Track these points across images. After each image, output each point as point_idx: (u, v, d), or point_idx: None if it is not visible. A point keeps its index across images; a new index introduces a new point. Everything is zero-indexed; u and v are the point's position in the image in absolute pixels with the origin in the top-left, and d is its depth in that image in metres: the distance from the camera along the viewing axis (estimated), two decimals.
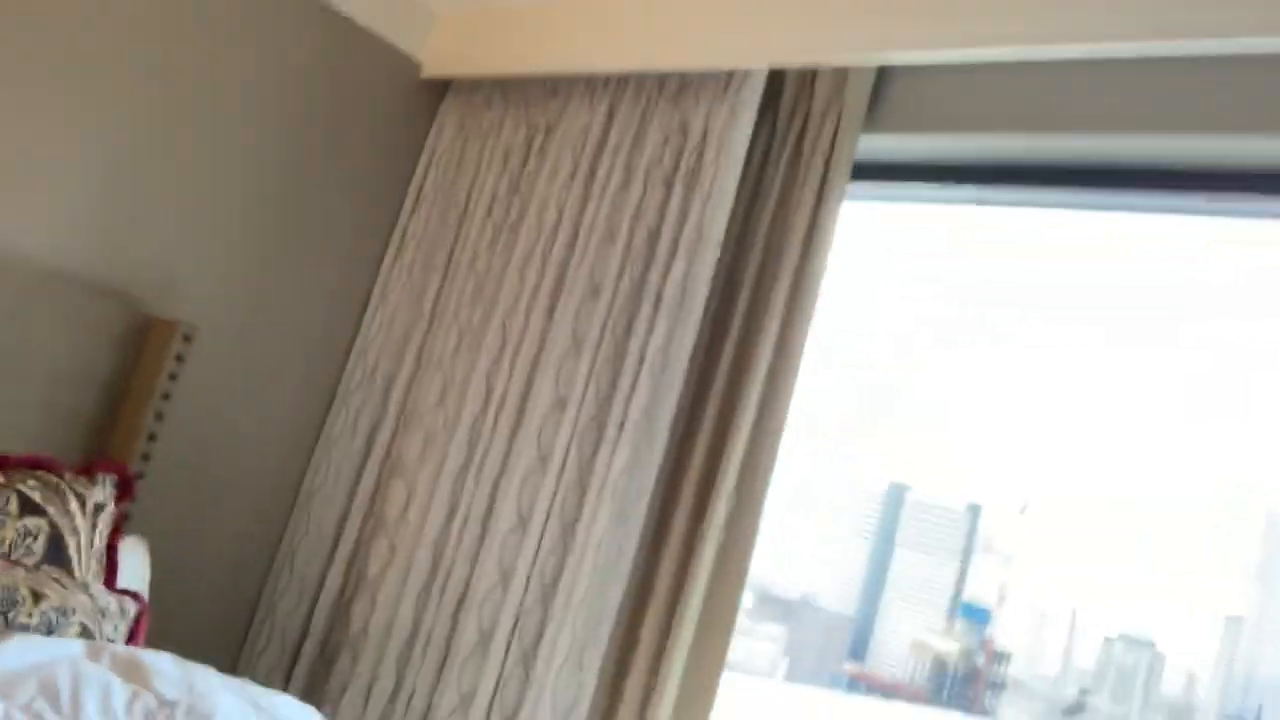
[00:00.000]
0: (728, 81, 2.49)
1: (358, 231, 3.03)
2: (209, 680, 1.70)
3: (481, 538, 2.58)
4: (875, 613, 5.26)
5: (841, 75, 2.37)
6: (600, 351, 2.52)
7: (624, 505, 2.39)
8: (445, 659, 2.54)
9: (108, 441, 2.47)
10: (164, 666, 1.68)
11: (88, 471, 2.13)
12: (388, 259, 3.03)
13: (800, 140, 2.43)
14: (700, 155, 2.51)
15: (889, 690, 5.27)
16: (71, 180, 2.47)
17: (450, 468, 2.68)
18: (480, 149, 2.97)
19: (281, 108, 2.83)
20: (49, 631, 1.75)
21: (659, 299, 2.46)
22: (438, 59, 3.09)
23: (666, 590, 2.36)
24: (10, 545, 1.87)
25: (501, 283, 2.76)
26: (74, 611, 1.82)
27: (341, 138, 2.96)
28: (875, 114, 2.38)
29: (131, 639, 1.96)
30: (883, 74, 2.37)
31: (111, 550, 2.08)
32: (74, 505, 2.00)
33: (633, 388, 2.44)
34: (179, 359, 2.53)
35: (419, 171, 3.08)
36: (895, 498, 5.21)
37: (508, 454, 2.60)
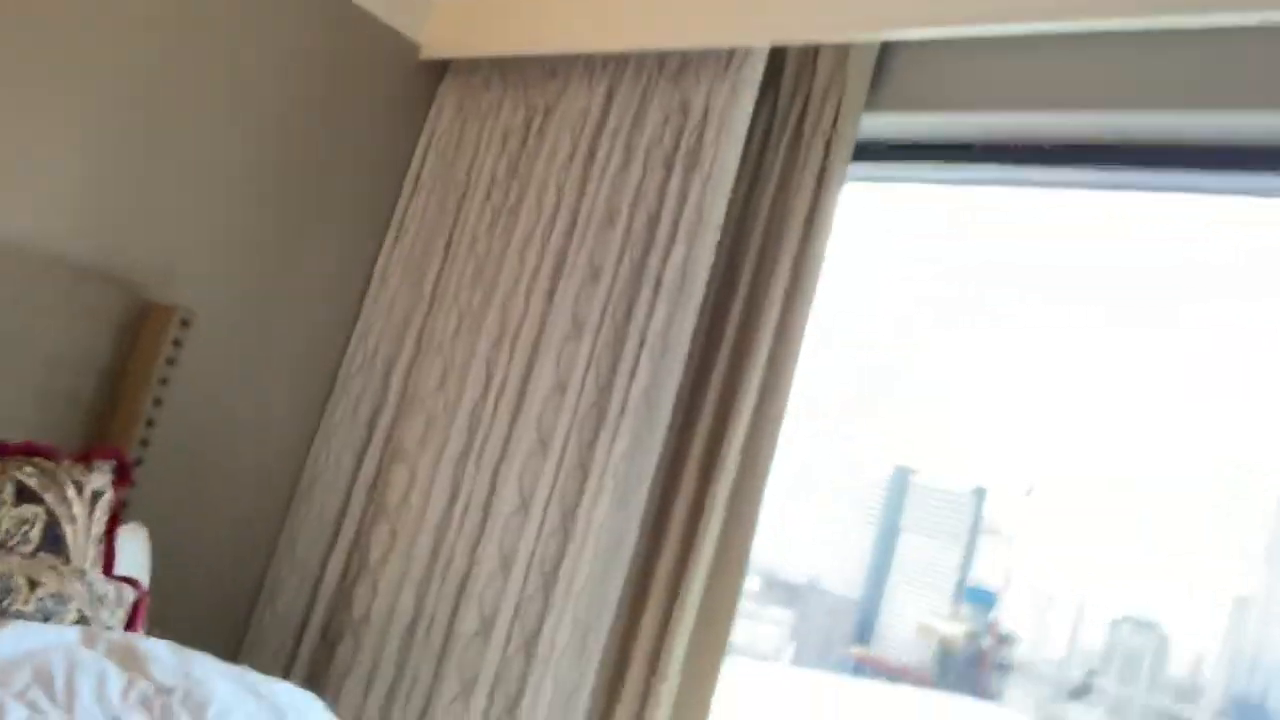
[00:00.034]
0: (728, 60, 2.46)
1: (357, 214, 3.01)
2: (206, 667, 1.69)
3: (483, 523, 2.57)
4: (881, 596, 5.26)
5: (843, 53, 2.34)
6: (600, 335, 2.50)
7: (625, 490, 2.38)
8: (447, 645, 2.53)
9: (106, 428, 2.46)
10: (160, 653, 1.67)
11: (85, 458, 2.12)
12: (387, 242, 3.01)
13: (802, 119, 2.41)
14: (700, 135, 2.48)
15: (895, 673, 5.27)
16: (68, 165, 2.45)
17: (451, 452, 2.67)
18: (479, 131, 2.94)
19: (280, 90, 2.81)
20: (45, 619, 1.74)
21: (659, 282, 2.44)
22: (436, 40, 3.06)
23: (668, 575, 2.35)
24: (6, 533, 1.86)
25: (501, 265, 2.74)
26: (70, 599, 1.81)
27: (340, 120, 2.94)
28: (878, 92, 2.36)
29: (130, 626, 1.95)
30: (885, 51, 2.35)
31: (109, 537, 2.06)
32: (71, 492, 1.99)
33: (633, 371, 2.42)
34: (177, 344, 2.52)
35: (418, 154, 3.05)
36: (900, 481, 5.20)
37: (508, 438, 2.59)
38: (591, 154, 2.67)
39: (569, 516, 2.44)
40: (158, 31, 2.55)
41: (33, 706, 1.43)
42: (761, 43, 2.40)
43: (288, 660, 2.78)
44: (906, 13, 2.22)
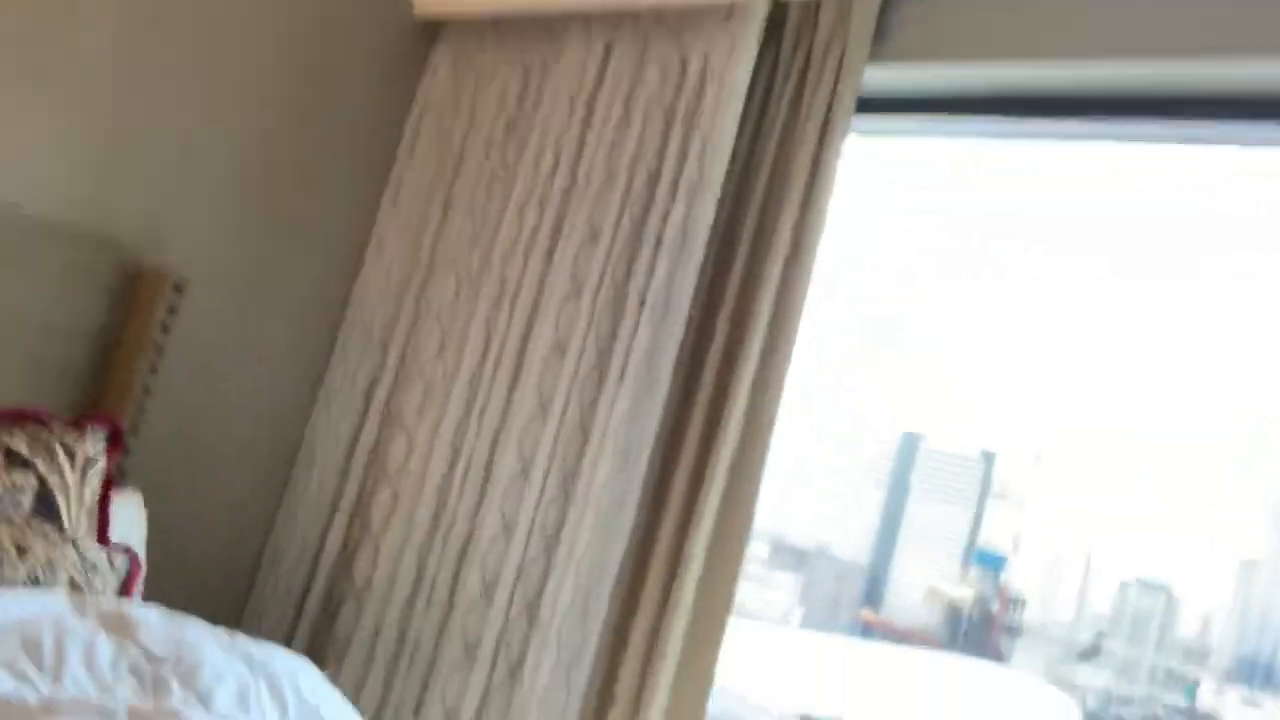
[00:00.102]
0: (728, 14, 2.40)
1: (352, 177, 2.96)
2: (198, 634, 1.67)
3: (483, 488, 2.55)
4: (890, 560, 5.26)
5: (846, 3, 2.28)
6: (600, 296, 2.47)
7: (626, 452, 2.35)
8: (449, 610, 2.52)
9: (101, 396, 2.43)
10: (151, 621, 1.65)
11: (77, 425, 2.09)
12: (384, 205, 2.97)
13: (804, 73, 2.35)
14: (700, 92, 2.43)
15: (904, 637, 5.28)
16: (57, 127, 2.41)
17: (450, 418, 2.64)
18: (475, 91, 2.89)
19: (272, 52, 2.75)
20: (35, 587, 1.72)
21: (659, 241, 2.40)
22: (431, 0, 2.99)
23: (671, 537, 2.33)
24: None
25: (499, 228, 2.70)
26: (61, 566, 1.79)
27: (334, 81, 2.89)
28: (881, 44, 2.30)
29: (124, 594, 1.93)
30: (888, 2, 2.28)
31: (103, 505, 2.04)
32: (63, 459, 1.96)
33: (634, 333, 2.39)
34: (171, 310, 2.49)
35: (413, 115, 3.00)
36: (909, 446, 5.17)
37: (508, 403, 2.56)
38: (589, 113, 2.62)
39: (570, 480, 2.42)
40: None
41: (20, 676, 1.41)
42: None
43: (289, 629, 2.77)
44: None
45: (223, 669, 1.57)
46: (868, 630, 5.34)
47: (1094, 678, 4.32)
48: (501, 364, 2.59)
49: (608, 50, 2.62)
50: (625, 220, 2.47)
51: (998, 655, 4.84)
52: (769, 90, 2.42)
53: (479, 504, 2.54)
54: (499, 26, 2.90)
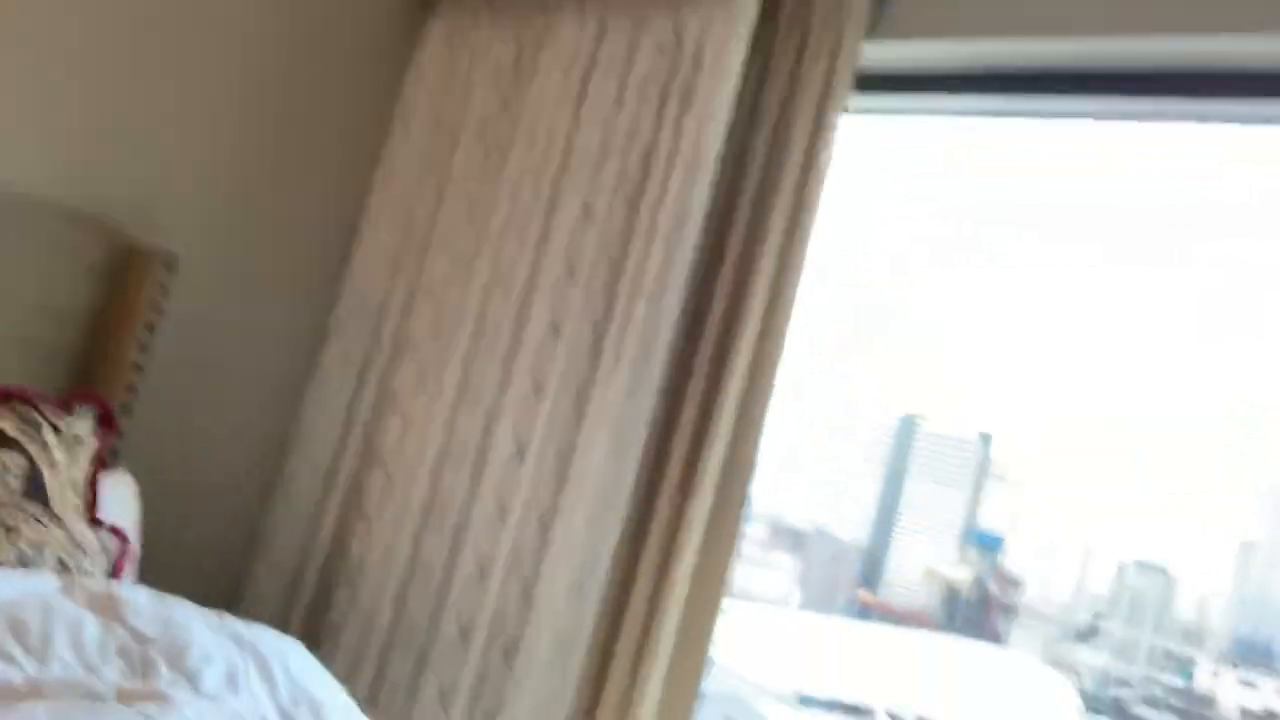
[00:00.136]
0: None
1: (345, 155, 2.93)
2: (187, 614, 1.66)
3: (478, 469, 2.53)
4: (888, 541, 5.26)
5: None
6: (594, 275, 2.45)
7: (621, 433, 2.33)
8: (444, 591, 2.51)
9: (92, 376, 2.41)
10: (140, 601, 1.64)
11: (66, 404, 2.08)
12: (376, 183, 2.94)
13: (800, 50, 2.32)
14: (695, 69, 2.40)
15: (901, 618, 5.29)
16: (44, 102, 2.38)
17: (445, 399, 2.62)
18: (469, 68, 2.85)
19: (263, 26, 2.72)
20: (23, 568, 1.70)
21: (654, 220, 2.37)
22: None
23: (666, 519, 2.32)
24: None
25: (493, 207, 2.67)
26: (48, 547, 1.77)
27: (326, 58, 2.86)
28: (878, 20, 2.27)
29: (114, 576, 1.92)
30: None
31: (93, 485, 2.03)
32: (51, 438, 1.95)
33: (628, 313, 2.37)
34: (162, 289, 2.46)
35: (407, 93, 2.96)
36: (907, 428, 5.17)
37: (502, 383, 2.54)
38: (584, 90, 2.58)
39: (565, 461, 2.40)
40: None
41: (7, 657, 1.40)
42: None
43: (284, 610, 2.76)
44: None
45: (211, 650, 1.56)
46: (865, 611, 5.36)
47: (1091, 659, 4.33)
48: (496, 344, 2.57)
49: (602, 27, 2.59)
50: (619, 199, 2.44)
51: (995, 636, 4.85)
52: (765, 67, 2.39)
53: (473, 485, 2.52)
54: (493, 3, 2.86)
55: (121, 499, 2.23)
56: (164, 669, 1.47)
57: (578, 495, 2.35)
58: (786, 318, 2.29)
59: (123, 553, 1.96)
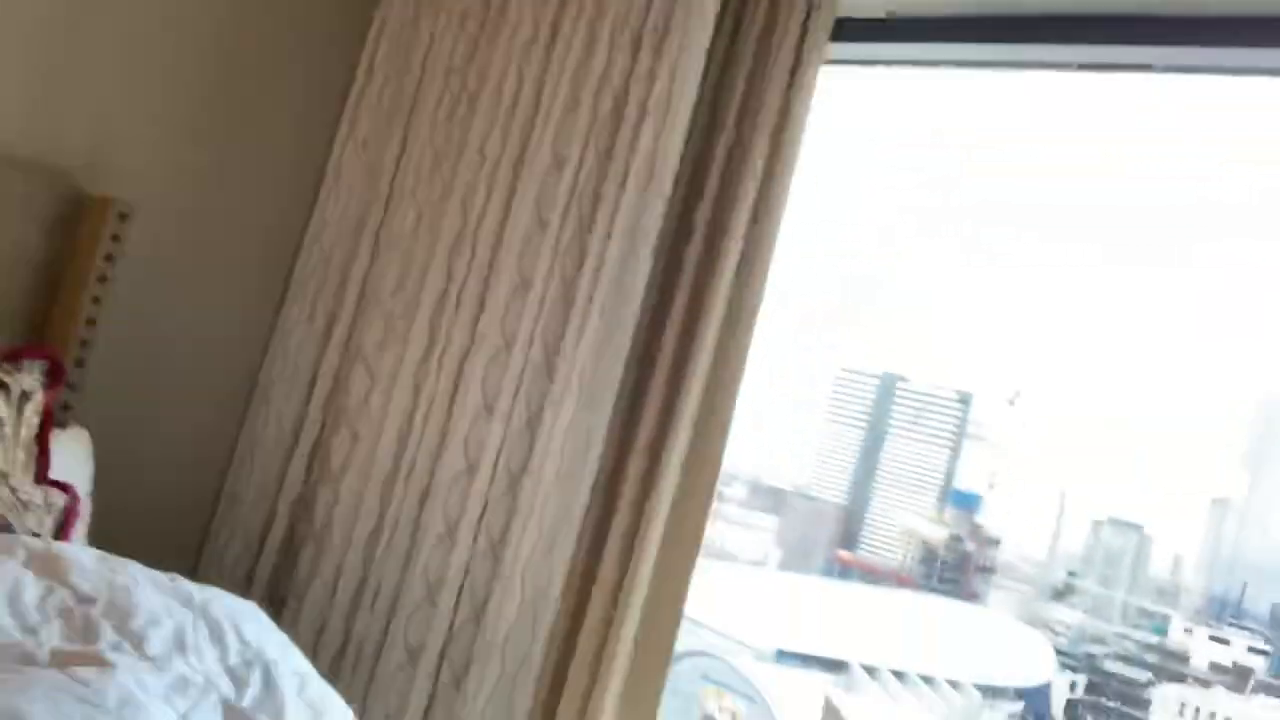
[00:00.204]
0: None
1: (306, 103, 2.84)
2: (134, 576, 1.60)
3: (446, 427, 2.48)
4: (867, 501, 5.28)
5: None
6: (565, 228, 2.39)
7: (592, 389, 2.29)
8: (412, 549, 2.46)
9: (42, 330, 2.33)
10: (84, 561, 1.58)
11: (13, 357, 2.00)
12: (340, 133, 2.84)
13: None
14: (669, 13, 2.33)
15: (880, 576, 5.31)
16: None
17: (412, 354, 2.56)
18: (435, 13, 2.75)
19: None
20: None
21: (626, 170, 2.31)
22: None
23: (639, 475, 2.29)
24: None
25: (460, 157, 2.59)
26: None
27: (287, 2, 2.75)
28: None
29: (62, 534, 1.85)
30: None
31: (43, 441, 1.96)
32: None
33: (600, 266, 2.32)
34: (115, 239, 2.38)
35: (370, 38, 2.85)
36: (887, 387, 5.15)
37: (471, 338, 2.48)
38: (554, 36, 2.50)
39: (535, 417, 2.36)
40: None
41: None
42: None
43: (249, 570, 2.71)
44: None
45: (159, 612, 1.50)
46: (844, 570, 5.38)
47: (1067, 616, 4.36)
48: (464, 298, 2.51)
49: None
50: (591, 148, 2.38)
51: (972, 594, 4.88)
52: (741, 11, 2.32)
53: (441, 443, 2.47)
54: None
55: (76, 456, 2.16)
56: (108, 631, 1.41)
57: (548, 452, 2.30)
58: (764, 271, 2.25)
59: (70, 511, 1.90)
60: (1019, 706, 4.55)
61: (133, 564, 1.65)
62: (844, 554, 5.49)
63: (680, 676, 4.51)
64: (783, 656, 5.05)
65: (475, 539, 2.36)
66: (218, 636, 1.52)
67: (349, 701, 1.81)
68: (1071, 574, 4.26)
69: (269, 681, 1.48)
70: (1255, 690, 3.76)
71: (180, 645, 1.45)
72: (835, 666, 4.91)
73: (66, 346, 2.32)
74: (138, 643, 1.41)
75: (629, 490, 2.28)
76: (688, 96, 2.27)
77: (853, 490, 5.33)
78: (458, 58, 2.67)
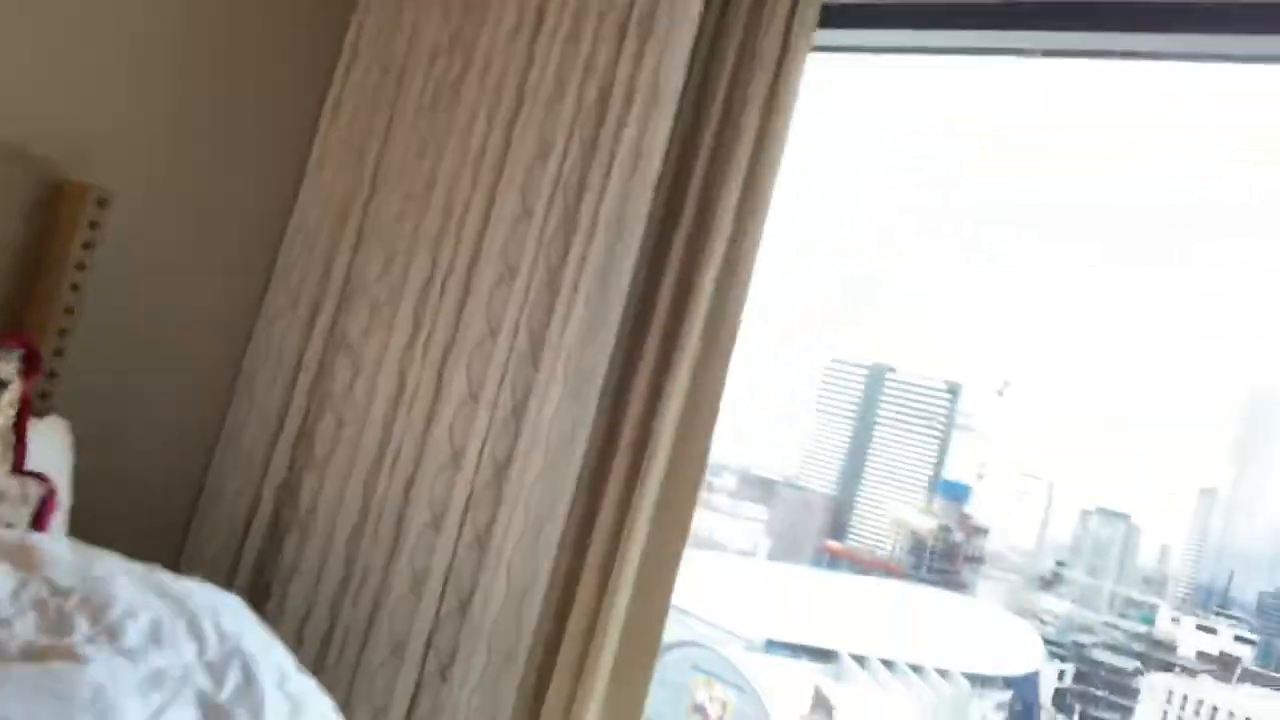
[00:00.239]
0: None
1: (290, 88, 2.80)
2: (111, 568, 1.58)
3: (431, 415, 2.46)
4: (856, 491, 5.28)
5: None
6: (551, 216, 2.37)
7: (578, 378, 2.28)
8: (397, 538, 2.45)
9: (20, 318, 2.30)
10: (59, 553, 1.56)
11: None
12: (323, 119, 2.81)
13: None
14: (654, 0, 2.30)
15: (868, 567, 5.32)
16: None
17: (397, 342, 2.54)
18: (417, 0, 2.72)
19: None
20: None
21: (613, 157, 2.30)
22: None
23: (625, 465, 2.27)
24: None
25: (445, 144, 2.57)
26: None
27: None
28: None
29: (38, 524, 1.83)
30: None
31: (19, 431, 1.93)
32: None
33: (586, 255, 2.30)
34: (94, 226, 2.35)
35: (353, 23, 2.82)
36: (877, 378, 5.15)
37: (456, 326, 2.47)
38: (539, 21, 2.47)
39: (521, 406, 2.34)
40: None
41: None
42: None
43: (233, 560, 2.69)
44: None
45: (136, 604, 1.48)
46: (833, 561, 5.39)
47: (1055, 605, 4.38)
48: (449, 286, 2.49)
49: None
50: (576, 136, 2.36)
51: (961, 584, 4.89)
52: None
53: (426, 431, 2.45)
54: None
55: (54, 446, 2.14)
56: (83, 624, 1.39)
57: (534, 441, 2.29)
58: (751, 258, 2.23)
59: (47, 502, 1.87)
60: (1007, 695, 4.56)
61: (110, 555, 1.63)
62: (833, 544, 5.48)
63: (670, 666, 4.51)
64: (772, 646, 5.05)
65: (461, 528, 2.35)
66: (196, 629, 1.50)
67: (333, 694, 1.80)
68: (1060, 564, 4.27)
69: (248, 675, 1.46)
70: (1242, 679, 3.77)
71: (157, 638, 1.43)
72: (825, 656, 4.92)
73: (45, 335, 2.29)
74: (113, 635, 1.39)
75: (615, 479, 2.27)
76: (674, 85, 2.25)
77: (842, 481, 5.33)
78: (442, 43, 2.64)
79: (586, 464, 2.30)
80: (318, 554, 2.57)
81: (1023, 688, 4.43)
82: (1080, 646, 4.20)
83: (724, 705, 4.75)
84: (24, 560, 1.49)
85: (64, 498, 2.02)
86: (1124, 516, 3.86)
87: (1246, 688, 3.74)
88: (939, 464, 4.87)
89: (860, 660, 4.78)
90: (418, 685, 2.33)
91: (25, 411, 1.98)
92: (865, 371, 5.02)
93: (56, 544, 1.61)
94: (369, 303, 2.63)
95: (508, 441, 2.34)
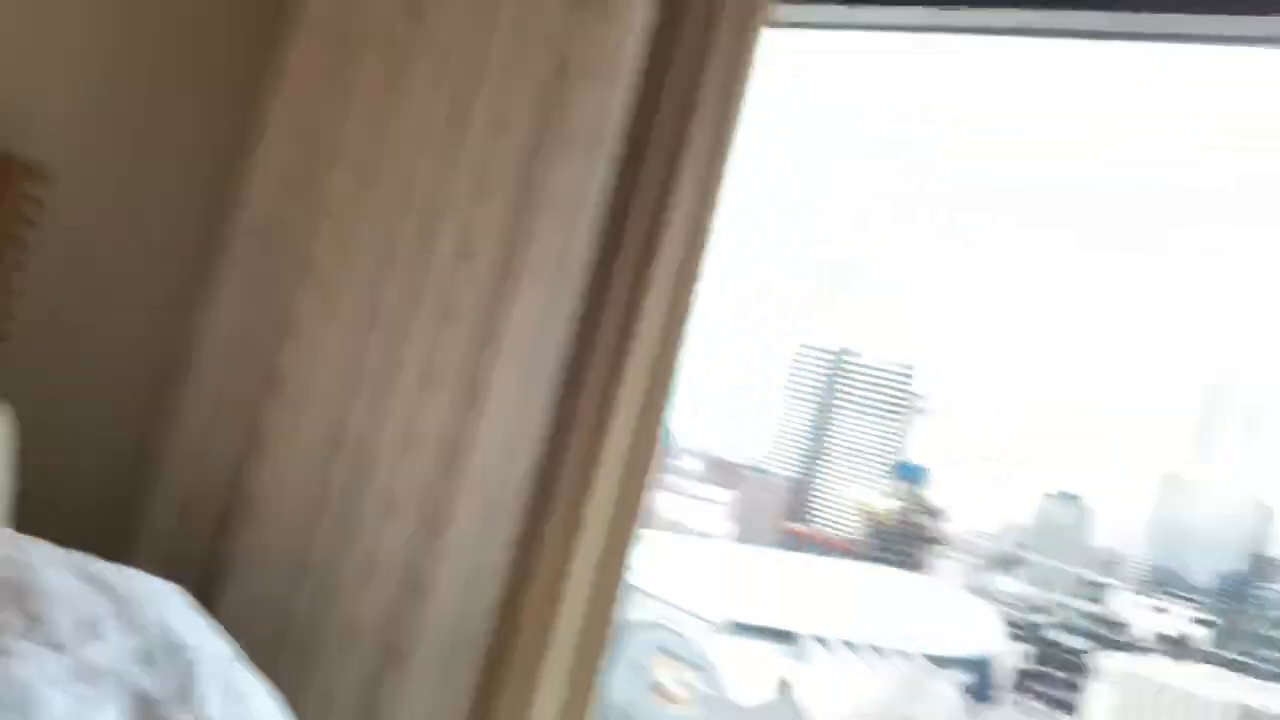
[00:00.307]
0: None
1: (238, 60, 2.72)
2: (42, 557, 1.52)
3: (384, 399, 2.41)
4: (817, 474, 5.31)
5: None
6: (506, 195, 2.32)
7: (533, 360, 2.26)
8: (348, 526, 2.40)
9: None
10: None
11: None
12: (272, 92, 2.73)
13: None
14: None
15: (830, 548, 5.35)
16: None
17: (348, 323, 2.49)
18: None
19: None
20: None
21: (568, 135, 2.26)
22: None
23: (581, 448, 2.25)
24: None
25: (399, 119, 2.50)
26: None
27: None
28: None
29: None
30: None
31: None
32: None
33: (541, 235, 2.26)
34: (34, 202, 2.27)
35: None
36: (839, 362, 5.17)
37: (409, 309, 2.41)
38: None
39: (474, 389, 2.31)
40: None
41: None
42: None
43: (180, 548, 2.62)
44: None
45: (65, 594, 1.42)
46: (797, 543, 5.42)
47: (1012, 587, 4.43)
48: (401, 267, 2.43)
49: None
50: (531, 111, 2.31)
51: (921, 566, 4.93)
52: None
53: (378, 415, 2.40)
54: None
55: None
56: (8, 615, 1.33)
57: (489, 425, 2.26)
58: (707, 238, 2.22)
59: None
60: (966, 676, 4.61)
61: (42, 543, 1.57)
62: (796, 527, 5.52)
63: (633, 648, 4.52)
64: (736, 628, 5.07)
65: (415, 513, 2.31)
66: (131, 621, 1.45)
67: (284, 683, 1.76)
68: (1019, 546, 4.31)
69: (186, 668, 1.41)
70: (1196, 659, 3.84)
71: (89, 631, 1.38)
72: (786, 637, 4.95)
73: None
74: (41, 627, 1.34)
75: (571, 462, 2.25)
76: (630, 59, 2.22)
77: (804, 464, 5.35)
78: (397, 14, 2.58)
79: (542, 446, 2.27)
80: (268, 540, 2.51)
81: (981, 668, 4.48)
82: (1037, 627, 4.25)
83: (686, 685, 4.77)
84: None
85: (4, 485, 1.95)
86: (1084, 500, 3.90)
87: (1204, 668, 3.80)
88: (899, 447, 4.90)
89: (822, 641, 4.81)
90: (373, 673, 2.30)
91: None
92: (830, 356, 5.05)
93: None
94: (319, 283, 2.56)
95: (462, 425, 2.30)
